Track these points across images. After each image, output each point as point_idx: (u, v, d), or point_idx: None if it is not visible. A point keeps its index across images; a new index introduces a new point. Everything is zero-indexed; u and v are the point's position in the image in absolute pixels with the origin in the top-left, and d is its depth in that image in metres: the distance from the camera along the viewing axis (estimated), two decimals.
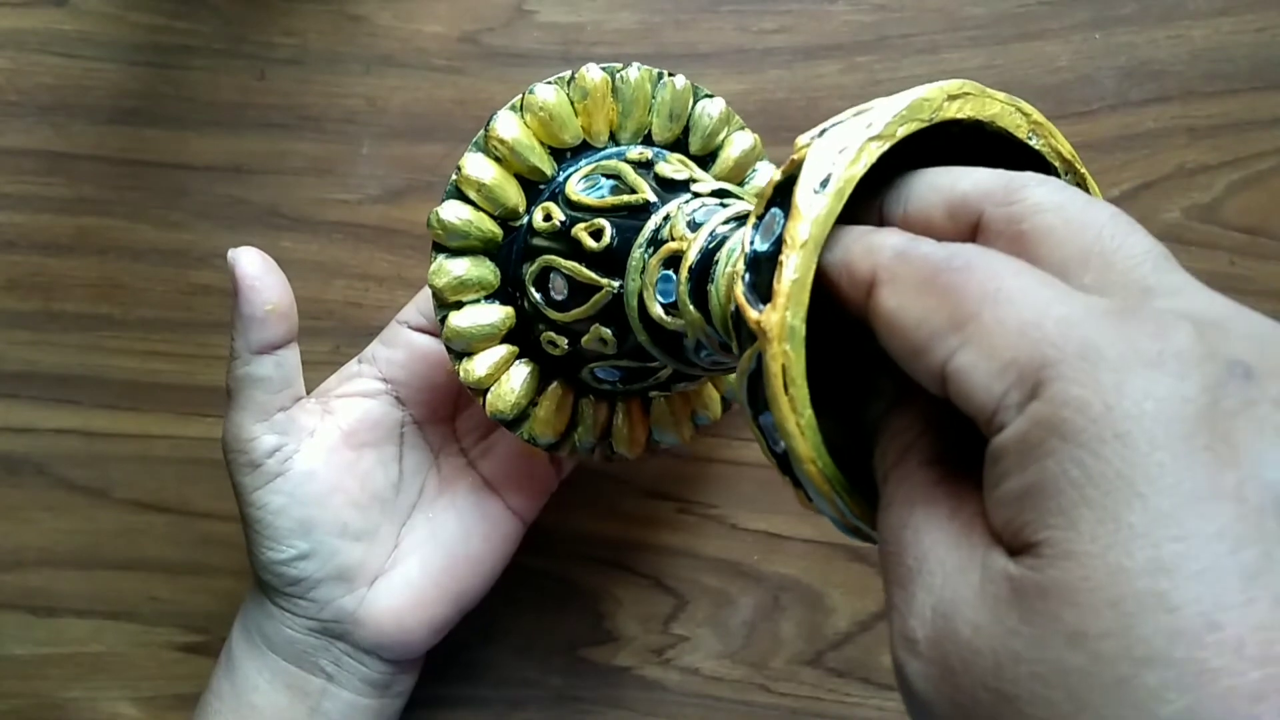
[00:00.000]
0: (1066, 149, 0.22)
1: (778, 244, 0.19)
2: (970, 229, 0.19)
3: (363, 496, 0.34)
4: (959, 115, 0.21)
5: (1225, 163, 0.39)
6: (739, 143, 0.33)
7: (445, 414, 0.36)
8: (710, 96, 0.33)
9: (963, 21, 0.38)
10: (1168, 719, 0.13)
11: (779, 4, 0.38)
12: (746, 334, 0.20)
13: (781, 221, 0.20)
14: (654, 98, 0.32)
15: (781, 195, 0.20)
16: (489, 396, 0.32)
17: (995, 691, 0.15)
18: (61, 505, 0.41)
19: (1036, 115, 0.22)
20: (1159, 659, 0.13)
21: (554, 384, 0.32)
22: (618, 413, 0.33)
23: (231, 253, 0.32)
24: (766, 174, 0.34)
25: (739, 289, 0.20)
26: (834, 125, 0.21)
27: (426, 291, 0.35)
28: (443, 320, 0.31)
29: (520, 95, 0.31)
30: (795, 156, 0.20)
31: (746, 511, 0.40)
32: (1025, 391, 0.16)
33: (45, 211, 0.39)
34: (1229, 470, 0.14)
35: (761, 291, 0.20)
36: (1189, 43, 0.39)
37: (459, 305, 0.31)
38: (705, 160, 0.33)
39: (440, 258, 0.31)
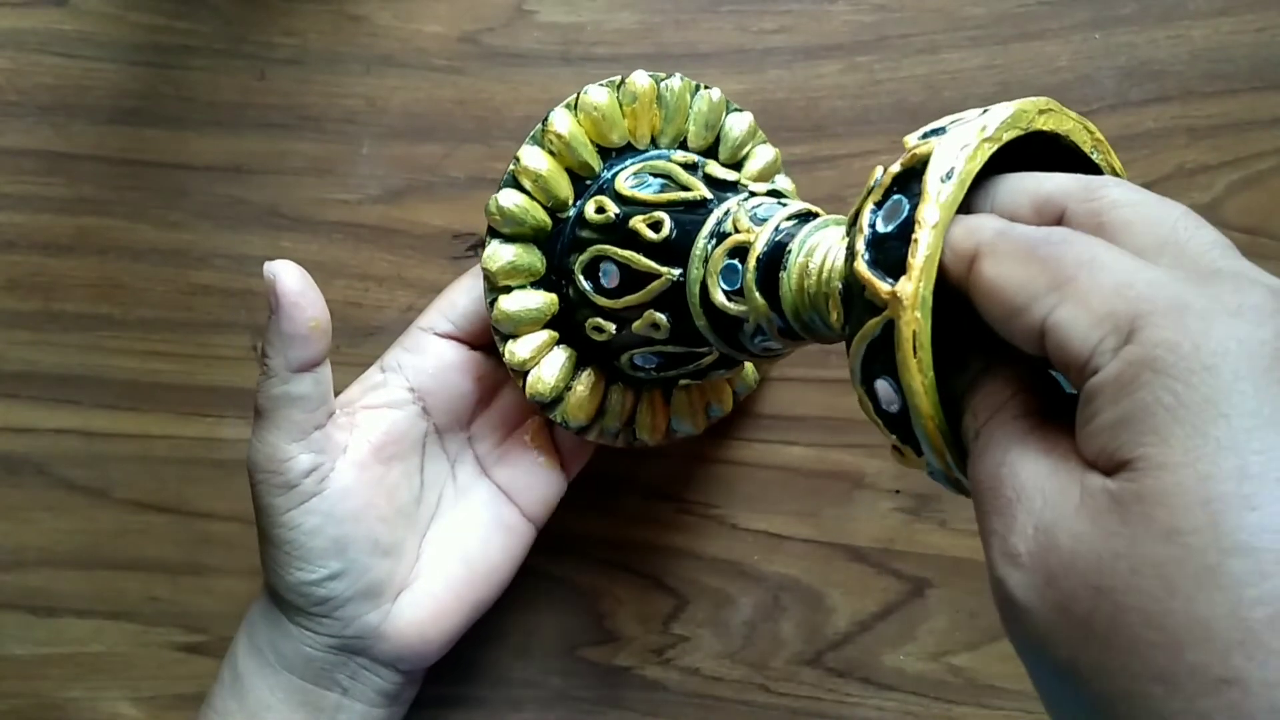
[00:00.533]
0: (1119, 167, 0.25)
1: (907, 225, 0.22)
2: (1055, 224, 0.21)
3: (390, 511, 0.34)
4: (1045, 127, 0.24)
5: (1225, 163, 0.39)
6: (761, 155, 0.36)
7: (465, 423, 0.36)
8: (739, 110, 0.35)
9: (963, 21, 0.38)
10: (1252, 600, 0.15)
11: (779, 4, 0.38)
12: (864, 306, 0.23)
13: (907, 206, 0.22)
14: (691, 107, 0.34)
15: (901, 184, 0.23)
16: (529, 378, 0.34)
17: (1095, 588, 0.17)
18: (61, 505, 0.41)
19: (1099, 134, 0.25)
20: (1244, 549, 0.15)
21: (588, 370, 0.34)
22: (643, 401, 0.35)
23: (269, 267, 0.31)
24: (784, 184, 0.36)
25: (860, 266, 0.23)
26: (953, 123, 0.23)
27: (450, 297, 0.35)
28: (491, 303, 0.33)
29: (575, 95, 0.33)
30: (918, 151, 0.23)
31: (746, 511, 0.40)
32: (1120, 338, 0.18)
33: (45, 211, 0.39)
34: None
35: (886, 267, 0.22)
36: (1189, 43, 0.39)
37: (508, 290, 0.33)
38: (732, 170, 0.35)
39: (495, 243, 0.33)
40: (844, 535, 0.40)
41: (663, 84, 0.34)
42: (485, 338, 0.36)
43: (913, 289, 0.21)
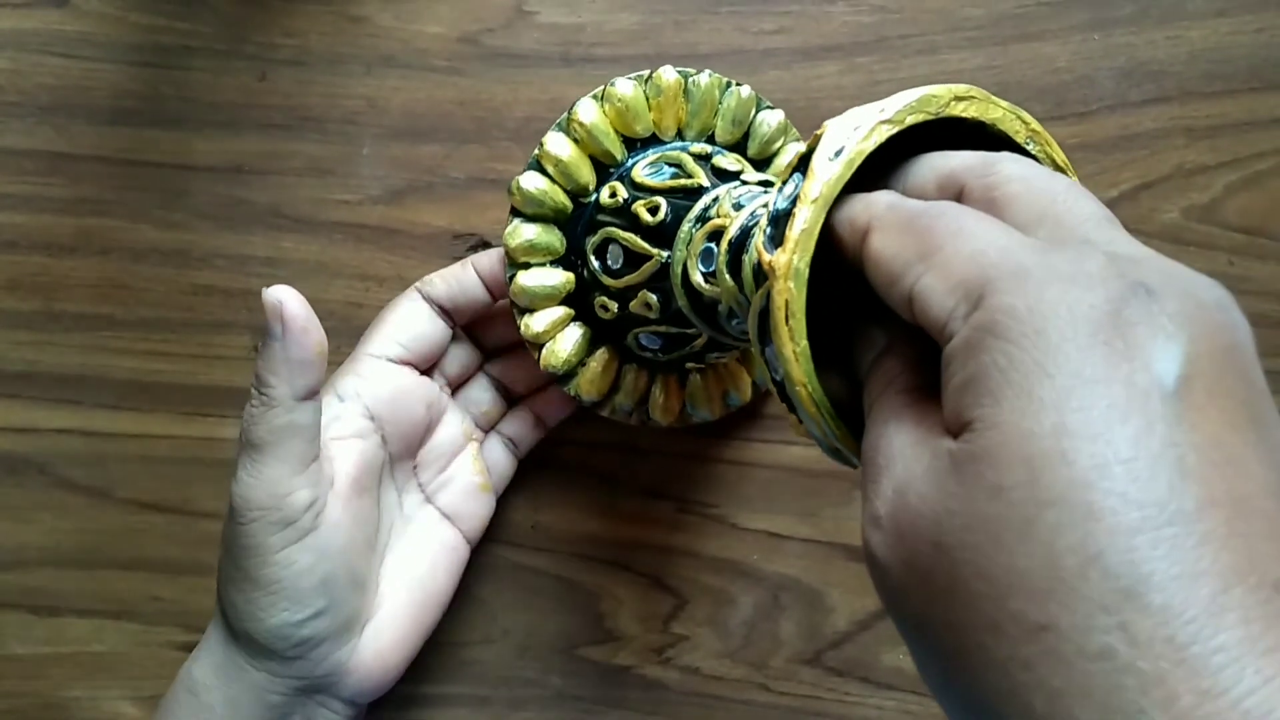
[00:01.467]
0: (1060, 157, 0.25)
1: (794, 201, 0.23)
2: (956, 198, 0.22)
3: (364, 543, 0.33)
4: (964, 114, 0.24)
5: (1224, 163, 0.39)
6: (792, 151, 0.37)
7: (414, 450, 0.37)
8: (771, 108, 0.36)
9: (962, 22, 0.38)
10: (1063, 549, 0.16)
11: (778, 5, 0.38)
12: (760, 278, 0.24)
13: (799, 184, 0.23)
14: (720, 102, 0.35)
15: (802, 164, 0.24)
16: (544, 352, 0.35)
17: (935, 544, 0.18)
18: (63, 505, 0.41)
19: (1035, 124, 0.25)
20: (1058, 501, 0.16)
21: (603, 348, 0.36)
22: (656, 383, 0.36)
23: (271, 293, 0.30)
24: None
25: (759, 240, 0.24)
26: (854, 110, 0.24)
27: (394, 322, 0.35)
28: (511, 278, 0.35)
29: (602, 86, 0.35)
30: (817, 133, 0.23)
31: (746, 511, 0.40)
32: (971, 304, 0.18)
33: (46, 212, 0.39)
34: (1124, 361, 0.17)
35: (778, 242, 0.23)
36: (1187, 44, 0.39)
37: (526, 266, 0.35)
38: (761, 165, 0.36)
39: (516, 221, 0.35)
40: (844, 535, 0.40)
41: (690, 79, 0.35)
42: (433, 362, 0.36)
43: (785, 260, 0.22)
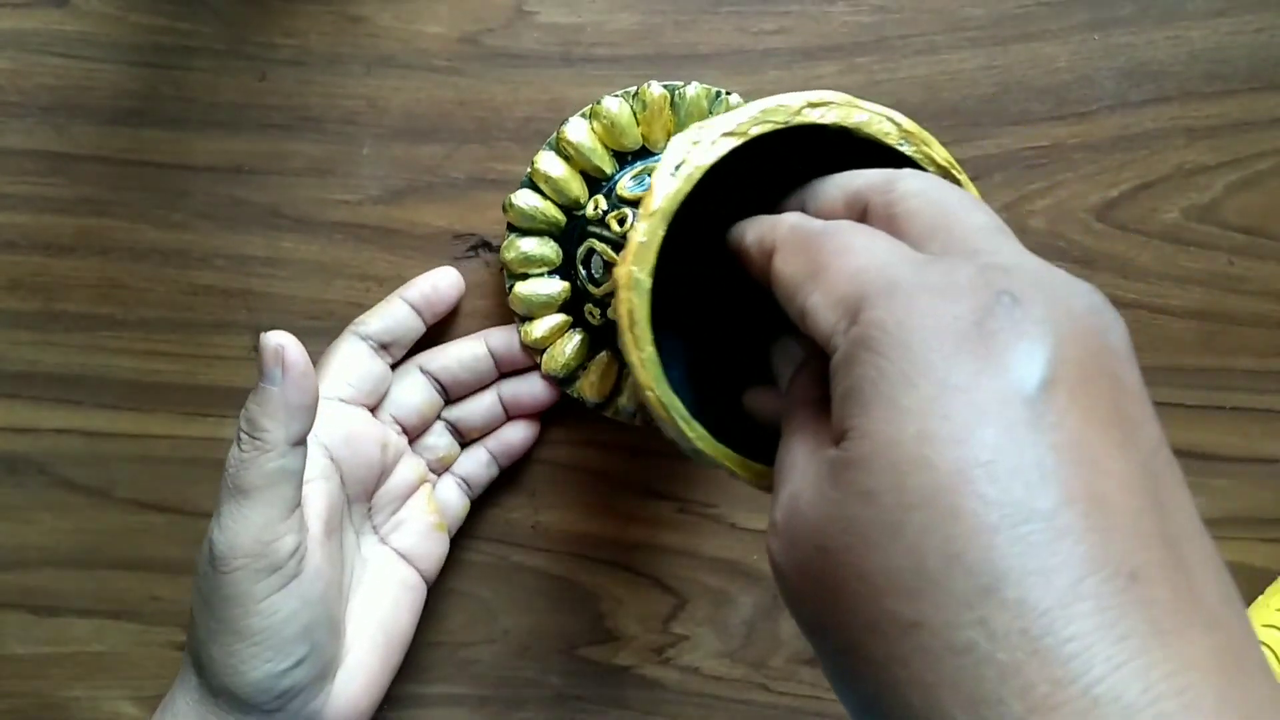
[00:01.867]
0: (941, 155, 0.25)
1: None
2: (861, 215, 0.23)
3: (337, 588, 0.33)
4: (822, 121, 0.24)
5: (1224, 163, 0.39)
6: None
7: (370, 493, 0.37)
8: None
9: (962, 22, 0.38)
10: (928, 549, 0.17)
11: (778, 5, 0.38)
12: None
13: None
14: (710, 112, 0.36)
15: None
16: (544, 358, 0.37)
17: (819, 548, 0.18)
18: (63, 505, 0.41)
19: (909, 125, 0.25)
20: (922, 505, 0.17)
21: (603, 353, 0.37)
22: None
23: (270, 338, 0.30)
24: None
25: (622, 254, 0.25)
26: (706, 124, 0.25)
27: (340, 363, 0.36)
28: (510, 289, 0.37)
29: (591, 105, 0.36)
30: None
31: (746, 511, 0.40)
32: (850, 319, 0.19)
33: (46, 212, 0.39)
34: (986, 367, 0.18)
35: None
36: (1187, 44, 0.39)
37: (525, 277, 0.37)
38: None
39: (512, 235, 0.37)
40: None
41: (676, 92, 0.36)
42: (379, 399, 0.37)
43: (625, 271, 0.23)
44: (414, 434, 0.38)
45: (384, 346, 0.37)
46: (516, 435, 0.39)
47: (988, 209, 0.22)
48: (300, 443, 0.30)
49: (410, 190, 0.39)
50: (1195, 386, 0.41)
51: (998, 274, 0.19)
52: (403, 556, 0.37)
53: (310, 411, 0.30)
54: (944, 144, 0.39)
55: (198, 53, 0.39)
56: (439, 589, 0.41)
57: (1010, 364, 0.17)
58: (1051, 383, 0.17)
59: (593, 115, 0.36)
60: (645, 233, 0.24)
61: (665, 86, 0.36)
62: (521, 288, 0.37)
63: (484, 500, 0.41)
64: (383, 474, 0.37)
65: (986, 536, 0.16)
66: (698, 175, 0.24)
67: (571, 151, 0.36)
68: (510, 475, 0.40)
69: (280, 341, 0.30)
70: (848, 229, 0.21)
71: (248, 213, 0.39)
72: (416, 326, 0.37)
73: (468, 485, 0.39)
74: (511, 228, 0.37)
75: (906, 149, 0.25)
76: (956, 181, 0.26)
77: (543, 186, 0.36)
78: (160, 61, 0.39)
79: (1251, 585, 0.42)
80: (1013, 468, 0.17)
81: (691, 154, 0.24)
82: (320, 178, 0.39)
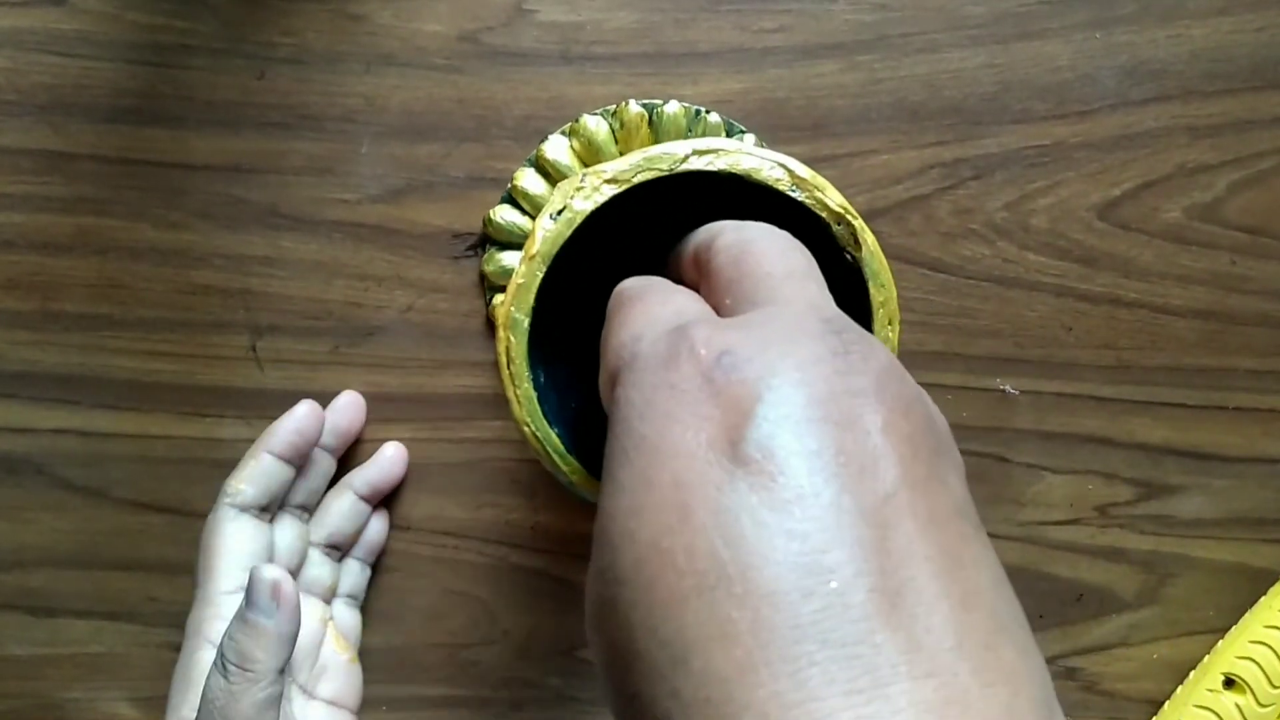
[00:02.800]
0: (836, 201, 0.26)
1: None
2: (700, 271, 0.23)
3: None
4: (710, 168, 0.25)
5: (1226, 162, 0.39)
6: None
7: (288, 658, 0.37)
8: (743, 132, 0.37)
9: (963, 20, 0.38)
10: (635, 623, 0.17)
11: (778, 3, 0.38)
12: None
13: None
14: (689, 130, 0.37)
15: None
16: None
17: (587, 617, 0.19)
18: (61, 505, 0.41)
19: (802, 172, 0.25)
20: (628, 580, 0.17)
21: None
22: None
23: (263, 573, 0.31)
24: None
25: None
26: (594, 169, 0.25)
27: (226, 547, 0.36)
28: (490, 301, 0.38)
29: (569, 123, 0.37)
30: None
31: None
32: (610, 394, 0.20)
33: (44, 211, 0.39)
34: (690, 432, 0.17)
35: None
36: (1189, 42, 0.39)
37: (505, 289, 0.36)
38: None
39: (492, 249, 0.38)
40: None
41: (654, 110, 0.37)
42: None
43: (504, 311, 0.25)
44: (297, 571, 0.38)
45: (264, 509, 0.37)
46: (377, 534, 0.40)
47: (795, 253, 0.21)
48: (284, 668, 0.32)
49: (409, 189, 0.39)
50: (1197, 386, 0.40)
51: (729, 334, 0.18)
52: (332, 703, 0.37)
53: (294, 639, 0.32)
54: (946, 143, 0.39)
55: (196, 51, 0.39)
56: (438, 590, 0.41)
57: (715, 423, 0.17)
58: (760, 440, 0.17)
59: (572, 133, 0.37)
60: (524, 275, 0.25)
61: (643, 105, 0.37)
62: (502, 299, 0.37)
63: (484, 502, 0.40)
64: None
65: (678, 607, 0.16)
66: (578, 220, 0.24)
67: (550, 169, 0.37)
68: (510, 476, 0.40)
69: (275, 576, 0.31)
70: (648, 291, 0.21)
71: (246, 212, 0.39)
72: (286, 476, 0.37)
73: (354, 598, 0.40)
74: (492, 241, 0.38)
75: (799, 195, 0.25)
76: (851, 227, 0.25)
77: (522, 203, 0.37)
78: (158, 60, 0.39)
79: (1253, 587, 0.42)
80: (695, 535, 0.16)
81: (574, 200, 0.24)
82: (319, 176, 0.39)
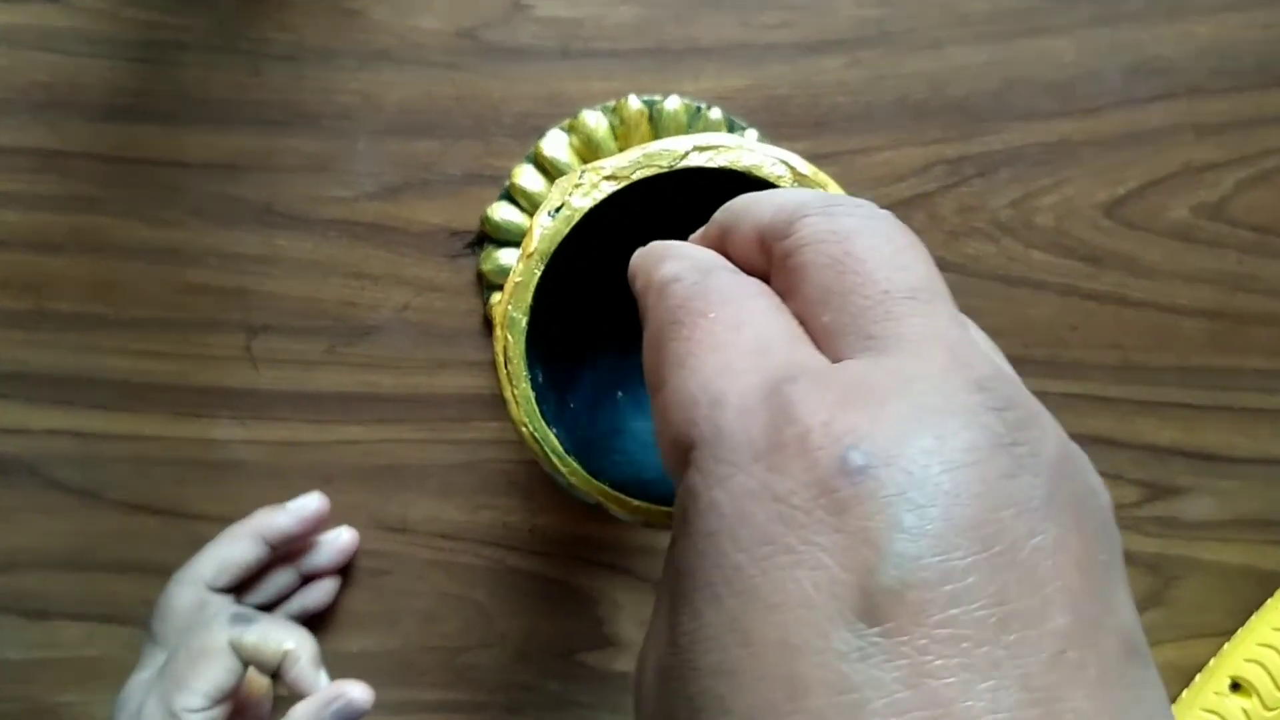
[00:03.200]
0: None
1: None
2: (767, 251, 0.18)
3: None
4: (710, 165, 0.24)
5: (1232, 160, 0.39)
6: None
7: None
8: (744, 128, 0.37)
9: (967, 17, 0.38)
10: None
11: None
12: None
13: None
14: (689, 126, 0.36)
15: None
16: None
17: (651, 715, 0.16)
18: (54, 507, 0.40)
19: (804, 168, 0.24)
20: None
21: None
22: None
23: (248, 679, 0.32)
24: None
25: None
26: (593, 166, 0.25)
27: (198, 670, 0.35)
28: (487, 299, 0.38)
29: (568, 119, 0.37)
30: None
31: None
32: (679, 466, 0.16)
33: (38, 209, 0.39)
34: (778, 580, 0.13)
35: None
36: (1195, 39, 0.38)
37: (503, 287, 0.36)
38: None
39: (490, 247, 0.37)
40: None
41: (654, 106, 0.36)
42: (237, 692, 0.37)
43: (501, 309, 0.24)
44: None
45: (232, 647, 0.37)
46: (316, 600, 0.41)
47: (910, 253, 0.17)
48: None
49: (406, 186, 0.39)
50: (1203, 386, 0.40)
51: (851, 416, 0.14)
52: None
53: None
54: (949, 140, 0.38)
55: (190, 48, 0.38)
56: (435, 593, 0.40)
57: (837, 559, 0.13)
58: (897, 587, 0.13)
59: (571, 129, 0.36)
60: (521, 273, 0.24)
61: (644, 101, 0.36)
62: (497, 298, 0.37)
63: (481, 503, 0.40)
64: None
65: None
66: (577, 218, 0.24)
67: (549, 166, 0.36)
68: (508, 478, 0.40)
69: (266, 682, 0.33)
70: (721, 298, 0.17)
71: (241, 210, 0.39)
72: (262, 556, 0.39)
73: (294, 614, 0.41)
74: (489, 239, 0.37)
75: None
76: None
77: (520, 200, 0.37)
78: (153, 57, 0.38)
79: (1260, 588, 0.41)
80: (828, 718, 0.13)
81: (572, 197, 0.24)
82: (315, 174, 0.39)
